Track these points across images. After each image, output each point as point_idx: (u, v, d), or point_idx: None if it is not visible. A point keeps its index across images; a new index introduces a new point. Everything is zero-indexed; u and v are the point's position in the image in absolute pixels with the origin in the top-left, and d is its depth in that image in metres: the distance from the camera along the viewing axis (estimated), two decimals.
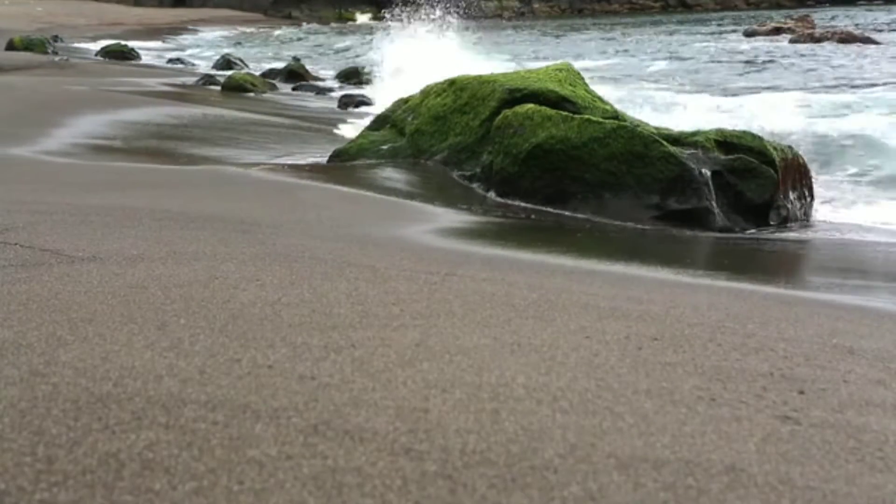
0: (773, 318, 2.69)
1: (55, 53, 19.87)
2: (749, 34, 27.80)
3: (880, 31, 26.00)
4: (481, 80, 6.56)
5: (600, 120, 5.75)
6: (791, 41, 23.40)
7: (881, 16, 35.17)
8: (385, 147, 6.73)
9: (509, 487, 1.44)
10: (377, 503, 1.37)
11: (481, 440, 1.60)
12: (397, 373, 1.90)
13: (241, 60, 19.80)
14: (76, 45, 26.65)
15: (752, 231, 5.41)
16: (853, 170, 7.13)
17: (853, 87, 13.14)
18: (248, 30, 43.78)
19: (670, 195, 5.40)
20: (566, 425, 1.68)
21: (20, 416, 1.59)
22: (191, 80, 15.04)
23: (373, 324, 2.26)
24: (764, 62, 18.41)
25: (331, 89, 14.95)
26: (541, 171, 5.65)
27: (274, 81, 15.33)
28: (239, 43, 32.97)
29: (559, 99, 6.13)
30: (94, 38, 29.65)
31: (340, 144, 7.31)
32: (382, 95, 11.00)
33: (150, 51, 25.35)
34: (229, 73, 15.82)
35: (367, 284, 2.68)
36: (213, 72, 16.92)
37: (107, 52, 21.32)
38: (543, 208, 5.54)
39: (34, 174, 5.20)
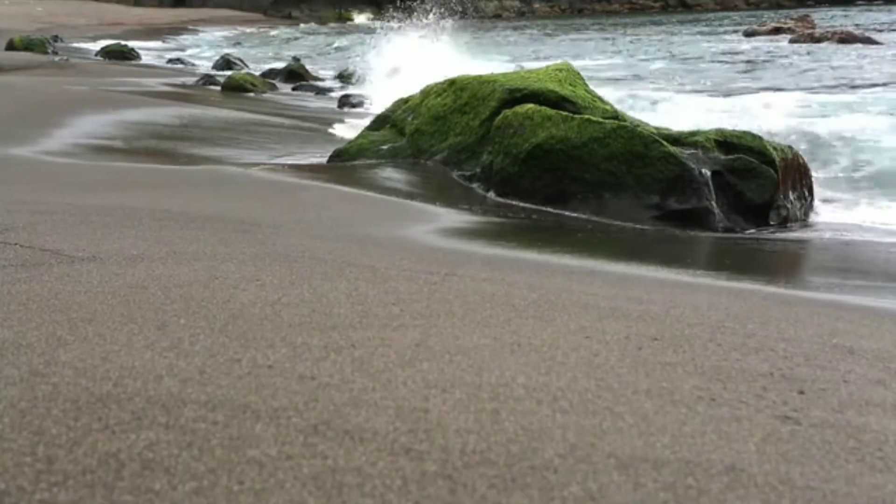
0: (773, 318, 2.69)
1: (55, 53, 19.87)
2: (749, 34, 27.81)
3: (880, 31, 26.00)
4: (481, 80, 6.56)
5: (600, 120, 5.75)
6: (791, 41, 23.41)
7: (881, 16, 35.17)
8: (385, 147, 6.73)
9: (509, 487, 1.44)
10: (377, 503, 1.37)
11: (481, 440, 1.60)
12: (397, 373, 1.90)
13: (241, 60, 19.79)
14: (76, 45, 26.65)
15: (752, 231, 5.41)
16: (853, 170, 7.13)
17: (853, 87, 13.14)
18: (249, 30, 43.77)
19: (670, 195, 5.41)
20: (566, 425, 1.68)
21: (20, 416, 1.59)
22: (191, 80, 15.04)
23: (373, 324, 2.26)
24: (764, 62, 18.42)
25: (330, 89, 14.95)
26: (541, 171, 5.65)
27: (274, 81, 15.33)
28: (239, 43, 32.97)
29: (559, 99, 6.13)
30: (94, 38, 29.65)
31: (340, 144, 7.31)
32: (380, 95, 11.00)
33: (150, 51, 25.35)
34: (229, 73, 15.82)
35: (367, 284, 2.68)
36: (213, 72, 16.92)
37: (107, 52, 21.31)
38: (543, 208, 5.54)
39: (34, 174, 5.21)
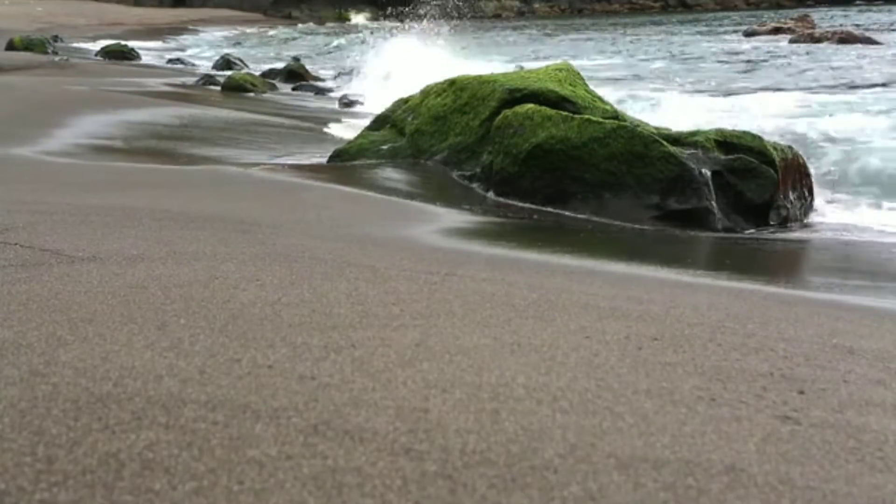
0: (773, 318, 2.69)
1: (55, 53, 19.86)
2: (749, 34, 27.81)
3: (880, 31, 26.00)
4: (481, 80, 6.56)
5: (600, 120, 5.75)
6: (791, 41, 23.40)
7: (881, 16, 35.17)
8: (385, 147, 6.73)
9: (509, 487, 1.44)
10: (377, 503, 1.37)
11: (481, 440, 1.60)
12: (397, 373, 1.90)
13: (241, 60, 19.79)
14: (76, 45, 26.65)
15: (752, 231, 5.41)
16: (853, 170, 7.13)
17: (853, 87, 13.13)
18: (249, 30, 43.78)
19: (670, 195, 5.41)
20: (566, 425, 1.68)
21: (20, 416, 1.59)
22: (191, 80, 15.04)
23: (373, 324, 2.26)
24: (763, 62, 18.41)
25: (330, 89, 14.95)
26: (541, 171, 5.65)
27: (274, 81, 15.32)
28: (239, 43, 32.97)
29: (559, 99, 6.13)
30: (94, 38, 29.65)
31: (340, 144, 7.31)
32: (379, 95, 11.00)
33: (150, 51, 25.34)
34: (229, 73, 15.82)
35: (367, 284, 2.68)
36: (213, 72, 16.91)
37: (107, 52, 21.30)
38: (543, 208, 5.54)
39: (34, 174, 5.21)
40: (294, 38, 36.52)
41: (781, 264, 4.80)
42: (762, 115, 9.75)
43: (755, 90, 13.24)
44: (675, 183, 5.40)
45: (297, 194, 4.90)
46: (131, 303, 2.33)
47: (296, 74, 16.63)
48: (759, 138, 5.74)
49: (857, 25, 28.25)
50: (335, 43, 30.49)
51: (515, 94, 6.22)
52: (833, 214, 5.95)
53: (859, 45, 20.85)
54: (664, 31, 33.49)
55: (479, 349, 2.11)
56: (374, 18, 50.21)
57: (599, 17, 52.67)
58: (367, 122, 7.58)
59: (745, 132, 5.81)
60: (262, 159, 6.97)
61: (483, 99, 6.36)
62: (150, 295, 2.41)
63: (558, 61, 7.24)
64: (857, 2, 51.18)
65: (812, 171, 6.15)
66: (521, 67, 10.44)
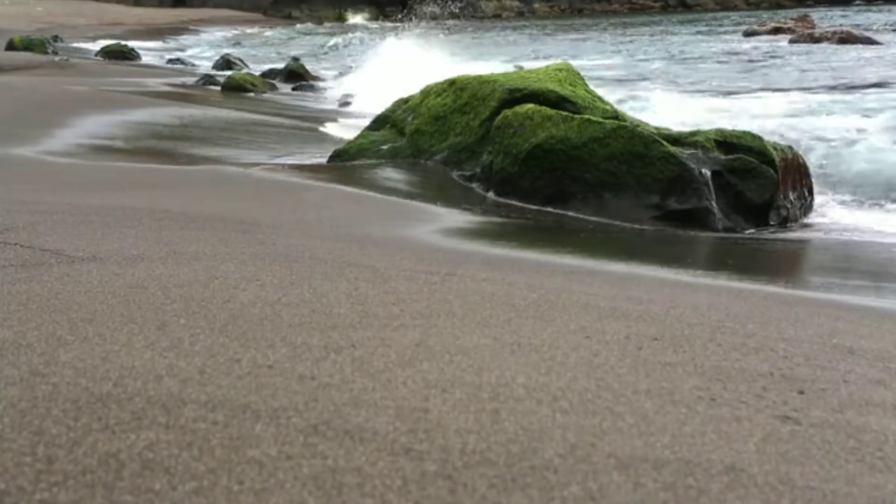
0: (773, 318, 2.69)
1: (55, 53, 19.86)
2: (749, 34, 27.80)
3: (880, 31, 26.00)
4: (481, 80, 6.56)
5: (600, 120, 5.75)
6: (791, 41, 23.40)
7: (881, 16, 35.17)
8: (385, 147, 6.73)
9: (509, 487, 1.44)
10: (377, 503, 1.37)
11: (481, 440, 1.60)
12: (397, 373, 1.90)
13: (241, 60, 19.80)
14: (76, 45, 26.64)
15: (752, 231, 5.41)
16: (852, 170, 7.13)
17: (852, 87, 13.13)
18: (249, 30, 43.77)
19: (670, 195, 5.41)
20: (566, 425, 1.68)
21: (20, 416, 1.59)
22: (191, 80, 15.04)
23: (373, 324, 2.26)
24: (763, 62, 18.41)
25: (331, 89, 14.95)
26: (541, 171, 5.65)
27: (274, 81, 15.32)
28: (239, 43, 32.97)
29: (559, 99, 6.13)
30: (94, 38, 29.64)
31: (340, 144, 7.31)
32: (378, 95, 11.00)
33: (150, 51, 25.35)
34: (229, 73, 15.82)
35: (367, 284, 2.68)
36: (213, 72, 16.91)
37: (107, 52, 21.30)
38: (543, 208, 5.54)
39: (34, 174, 5.21)
40: (293, 38, 36.52)
41: (781, 264, 4.80)
42: (762, 115, 9.75)
43: (755, 90, 13.24)
44: (675, 183, 5.40)
45: (298, 194, 4.90)
46: (131, 303, 2.33)
47: (296, 74, 16.62)
48: (759, 138, 5.74)
49: (857, 25, 28.22)
50: (332, 42, 30.50)
51: (515, 94, 6.22)
52: (833, 214, 5.95)
53: (859, 46, 20.85)
54: (664, 31, 33.49)
55: (479, 349, 2.11)
56: (374, 18, 50.25)
57: (599, 18, 52.65)
58: (366, 122, 7.57)
59: (744, 132, 5.81)
60: (262, 159, 6.97)
61: (483, 99, 6.36)
62: (150, 295, 2.41)
63: (558, 61, 7.24)
64: (857, 2, 51.18)
65: (812, 171, 6.15)
66: (521, 67, 10.45)
